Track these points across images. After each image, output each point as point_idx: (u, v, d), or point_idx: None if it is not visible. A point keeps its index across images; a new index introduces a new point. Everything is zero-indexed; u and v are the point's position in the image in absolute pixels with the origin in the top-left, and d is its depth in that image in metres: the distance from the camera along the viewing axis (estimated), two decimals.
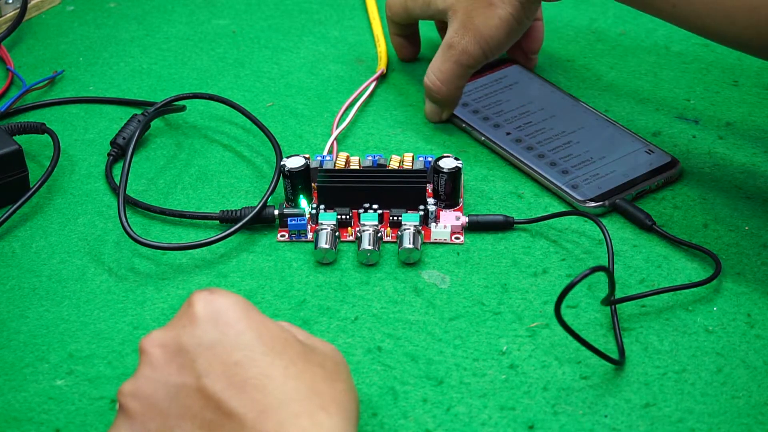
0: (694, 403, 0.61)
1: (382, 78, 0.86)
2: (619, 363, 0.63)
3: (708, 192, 0.74)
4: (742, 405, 0.61)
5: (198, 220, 0.73)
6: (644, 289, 0.68)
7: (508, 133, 0.78)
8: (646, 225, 0.71)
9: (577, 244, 0.71)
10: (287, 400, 0.52)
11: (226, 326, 0.54)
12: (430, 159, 0.74)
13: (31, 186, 0.74)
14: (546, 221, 0.72)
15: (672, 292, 0.67)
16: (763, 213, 0.73)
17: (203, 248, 0.71)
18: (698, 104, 0.82)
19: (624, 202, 0.72)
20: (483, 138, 0.78)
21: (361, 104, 0.82)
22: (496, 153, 0.78)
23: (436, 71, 0.78)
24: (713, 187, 0.74)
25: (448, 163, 0.72)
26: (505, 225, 0.72)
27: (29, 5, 0.91)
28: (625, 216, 0.72)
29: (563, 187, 0.74)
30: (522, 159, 0.76)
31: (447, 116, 0.80)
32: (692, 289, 0.67)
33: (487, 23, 0.75)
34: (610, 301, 0.62)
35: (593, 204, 0.72)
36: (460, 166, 0.72)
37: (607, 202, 0.73)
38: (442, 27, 0.85)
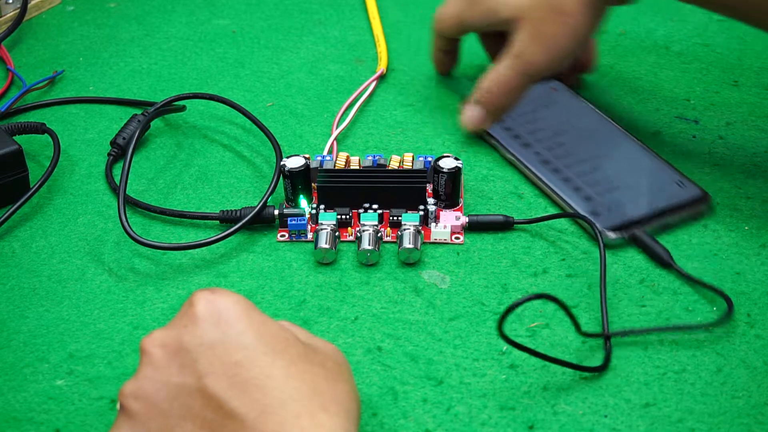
0: (694, 403, 0.61)
1: (382, 78, 0.86)
2: (596, 370, 0.62)
3: (708, 192, 0.74)
4: (742, 405, 0.61)
5: (198, 220, 0.73)
6: (644, 288, 0.68)
7: (537, 153, 0.76)
8: (664, 261, 0.68)
9: (577, 245, 0.71)
10: (288, 400, 0.52)
11: (227, 326, 0.54)
12: (430, 159, 0.74)
13: (31, 186, 0.74)
14: (546, 221, 0.72)
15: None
16: (763, 213, 0.73)
17: (203, 248, 0.71)
18: (698, 104, 0.82)
19: (644, 235, 0.69)
20: (510, 157, 0.76)
21: (361, 104, 0.82)
22: (522, 173, 0.76)
23: (496, 80, 0.75)
24: (713, 187, 0.74)
25: (448, 163, 0.72)
26: (505, 225, 0.72)
27: (29, 5, 0.91)
28: (643, 250, 0.69)
29: (583, 214, 0.71)
30: (546, 181, 0.74)
31: (488, 127, 0.78)
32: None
33: (561, 33, 0.72)
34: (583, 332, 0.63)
35: (611, 234, 0.70)
36: (460, 166, 0.72)
37: (625, 234, 0.70)
38: (490, 42, 0.82)
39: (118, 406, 0.56)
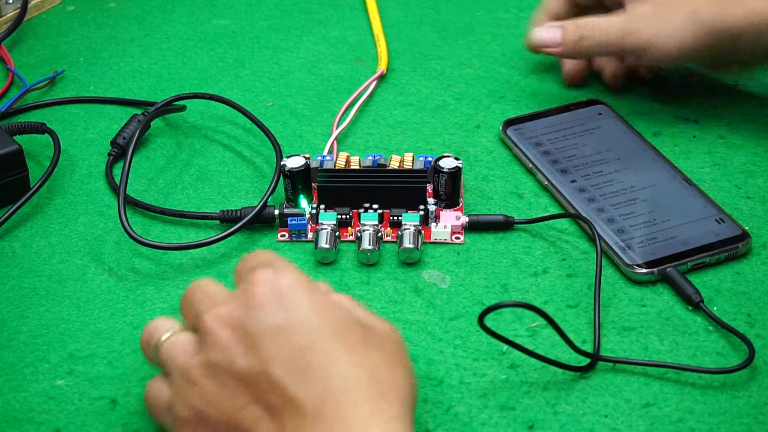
0: (694, 403, 0.61)
1: (382, 78, 0.86)
2: (582, 369, 0.62)
3: (708, 192, 0.74)
4: (742, 405, 0.61)
5: (198, 220, 0.73)
6: (644, 289, 0.67)
7: (573, 181, 0.74)
8: (692, 302, 0.66)
9: (578, 245, 0.71)
10: (348, 386, 0.52)
11: (289, 309, 0.54)
12: (430, 159, 0.74)
13: (31, 186, 0.74)
14: (546, 221, 0.72)
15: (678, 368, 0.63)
16: (763, 213, 0.73)
17: (203, 248, 0.70)
18: (698, 104, 0.82)
19: (675, 273, 0.67)
20: (545, 182, 0.74)
21: (361, 104, 0.82)
22: (555, 199, 0.74)
23: (597, 23, 0.76)
24: (713, 187, 0.74)
25: (448, 163, 0.72)
26: (505, 225, 0.72)
27: (29, 5, 0.91)
28: (672, 288, 0.67)
29: (613, 246, 0.69)
30: (578, 209, 0.72)
31: (553, 53, 0.78)
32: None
33: (681, 29, 0.74)
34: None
35: (641, 270, 0.67)
36: (460, 165, 0.72)
37: (656, 271, 0.67)
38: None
39: (174, 377, 0.55)
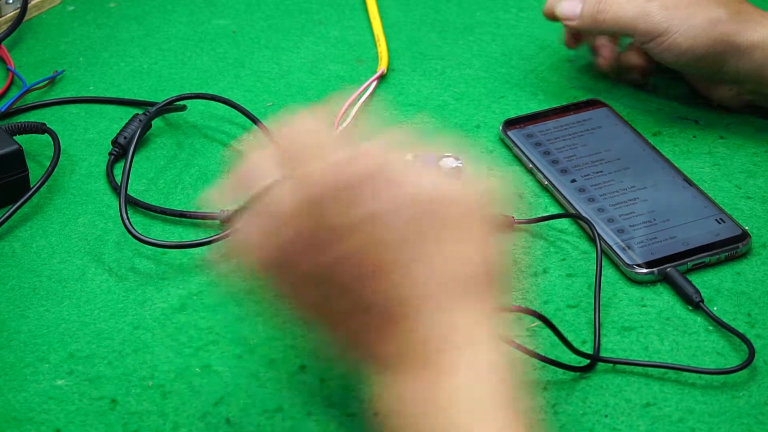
0: (694, 403, 0.61)
1: (382, 78, 0.86)
2: (582, 370, 0.62)
3: (708, 192, 0.74)
4: (742, 405, 0.61)
5: (199, 220, 0.73)
6: (645, 289, 0.67)
7: (573, 181, 0.74)
8: (692, 302, 0.66)
9: (578, 245, 0.71)
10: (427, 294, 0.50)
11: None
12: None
13: (31, 186, 0.74)
14: (546, 221, 0.72)
15: (677, 370, 0.63)
16: (763, 213, 0.73)
17: (204, 247, 0.70)
18: (698, 104, 0.82)
19: (675, 273, 0.67)
20: (545, 182, 0.74)
21: (361, 104, 0.82)
22: (555, 199, 0.74)
23: (616, 4, 0.77)
24: (713, 187, 0.74)
25: (448, 163, 0.72)
26: (505, 225, 0.72)
27: (29, 5, 0.91)
28: (673, 288, 0.67)
29: (613, 246, 0.69)
30: (578, 209, 0.72)
31: (570, 24, 0.79)
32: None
33: (695, 34, 0.75)
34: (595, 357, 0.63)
35: (641, 270, 0.67)
36: (460, 166, 0.72)
37: (656, 270, 0.67)
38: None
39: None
